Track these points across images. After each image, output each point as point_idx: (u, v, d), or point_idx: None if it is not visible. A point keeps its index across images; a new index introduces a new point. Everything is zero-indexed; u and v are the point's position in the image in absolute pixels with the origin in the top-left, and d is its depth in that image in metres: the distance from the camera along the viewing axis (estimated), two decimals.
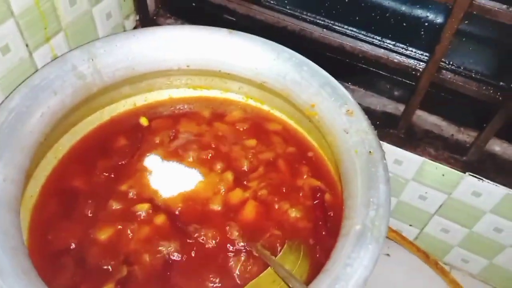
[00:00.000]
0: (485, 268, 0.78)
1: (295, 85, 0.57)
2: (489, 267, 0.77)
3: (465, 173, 0.65)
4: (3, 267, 0.37)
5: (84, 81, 0.54)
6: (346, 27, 0.70)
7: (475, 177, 0.64)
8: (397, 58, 0.64)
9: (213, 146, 0.61)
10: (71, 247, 0.50)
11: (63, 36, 0.63)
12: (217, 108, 0.67)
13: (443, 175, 0.68)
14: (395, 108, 0.73)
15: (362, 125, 0.51)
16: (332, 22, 0.70)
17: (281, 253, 0.49)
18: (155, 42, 0.58)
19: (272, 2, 0.72)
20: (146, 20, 0.82)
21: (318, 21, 0.71)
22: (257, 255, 0.49)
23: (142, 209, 0.53)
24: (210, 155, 0.60)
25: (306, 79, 0.56)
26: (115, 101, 0.63)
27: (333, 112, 0.53)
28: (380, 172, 0.47)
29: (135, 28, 0.81)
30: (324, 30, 0.68)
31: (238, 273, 0.49)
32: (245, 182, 0.57)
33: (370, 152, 0.48)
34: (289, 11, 0.71)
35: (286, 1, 0.73)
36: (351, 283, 0.39)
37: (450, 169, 0.66)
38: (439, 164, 0.67)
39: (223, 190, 0.56)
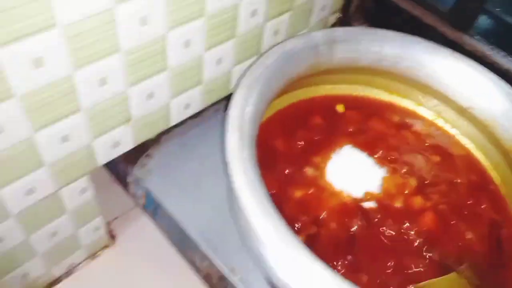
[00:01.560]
0: None
1: (504, 120, 0.59)
2: None
3: None
4: (259, 188, 0.44)
5: (318, 60, 0.60)
6: None
7: None
8: None
9: (400, 151, 0.65)
10: (273, 193, 0.56)
11: (288, 17, 0.70)
12: (405, 117, 0.71)
13: None
14: None
15: None
16: None
17: (463, 267, 0.51)
18: (383, 42, 0.63)
19: (479, 36, 0.74)
20: (344, 20, 0.87)
21: None
22: (436, 259, 0.52)
23: (332, 183, 0.58)
24: (396, 157, 0.64)
25: None
26: (320, 84, 0.69)
27: None
28: None
29: (333, 24, 0.87)
30: None
31: (412, 269, 0.52)
32: (426, 193, 0.60)
33: None
34: (495, 50, 0.73)
35: (491, 40, 0.74)
36: None
37: None
38: None
39: (406, 192, 0.59)
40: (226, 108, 0.50)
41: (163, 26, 0.50)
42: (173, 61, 0.55)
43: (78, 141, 0.51)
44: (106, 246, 0.70)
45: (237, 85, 0.52)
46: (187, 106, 0.65)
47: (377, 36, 0.63)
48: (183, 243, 0.61)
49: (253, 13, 0.62)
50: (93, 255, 0.69)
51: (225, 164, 0.46)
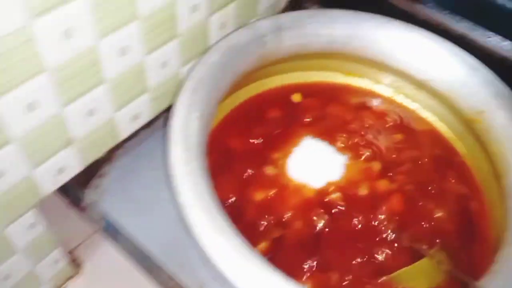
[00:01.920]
0: None
1: (464, 89, 0.57)
2: None
3: None
4: (207, 201, 0.41)
5: (266, 51, 0.57)
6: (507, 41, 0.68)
7: None
8: None
9: (361, 134, 0.63)
10: (231, 201, 0.53)
11: (233, 8, 0.66)
12: (363, 98, 0.68)
13: None
14: None
15: None
16: (491, 33, 0.69)
17: (434, 249, 0.50)
18: (333, 23, 0.60)
19: (431, 4, 0.72)
20: (294, 3, 0.84)
21: (478, 29, 0.70)
22: (406, 246, 0.51)
23: (294, 179, 0.56)
24: (357, 141, 0.61)
25: (479, 84, 0.56)
26: (273, 75, 0.66)
27: (505, 122, 0.53)
28: None
29: (285, 9, 0.84)
30: (488, 38, 0.67)
31: (383, 259, 0.51)
32: (391, 175, 0.58)
33: None
34: (449, 16, 0.71)
35: (446, 4, 0.72)
36: None
37: None
38: None
39: (370, 177, 0.57)
40: (167, 117, 0.47)
41: (92, 36, 0.46)
42: (110, 72, 0.52)
43: (15, 174, 0.47)
44: (71, 277, 0.66)
45: (179, 90, 0.49)
46: (135, 117, 0.61)
47: (325, 18, 0.60)
48: (148, 264, 0.58)
49: (194, 9, 0.58)
50: None
51: (169, 180, 0.43)
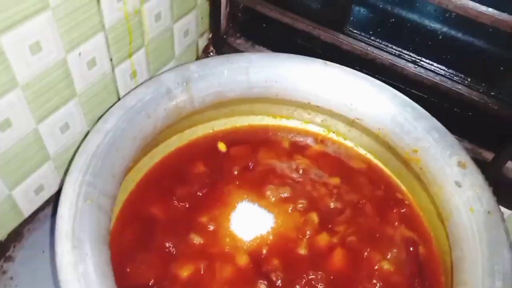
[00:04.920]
0: None
1: (396, 127, 0.53)
2: None
3: None
4: None
5: (176, 105, 0.51)
6: (436, 64, 0.66)
7: None
8: (496, 104, 0.60)
9: (295, 182, 0.57)
10: (151, 284, 0.46)
11: (144, 52, 0.61)
12: (296, 139, 0.63)
13: None
14: (480, 155, 0.68)
15: (477, 179, 0.47)
16: (420, 58, 0.67)
17: None
18: (248, 68, 0.55)
19: (356, 32, 0.69)
20: (217, 38, 0.79)
21: (405, 55, 0.67)
22: None
23: (225, 246, 0.50)
24: (290, 192, 0.56)
25: (410, 121, 0.52)
26: (194, 125, 0.60)
27: (442, 161, 0.49)
28: (502, 237, 0.42)
29: (206, 46, 0.79)
30: (417, 67, 0.64)
31: None
32: (330, 226, 0.53)
33: (489, 212, 0.44)
34: (376, 43, 0.68)
35: (371, 33, 0.69)
36: None
37: None
38: None
39: (309, 232, 0.52)
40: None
41: None
42: None
43: None
44: None
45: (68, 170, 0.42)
46: (39, 189, 0.54)
47: (239, 63, 0.55)
48: None
49: (93, 63, 0.52)
50: None
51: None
